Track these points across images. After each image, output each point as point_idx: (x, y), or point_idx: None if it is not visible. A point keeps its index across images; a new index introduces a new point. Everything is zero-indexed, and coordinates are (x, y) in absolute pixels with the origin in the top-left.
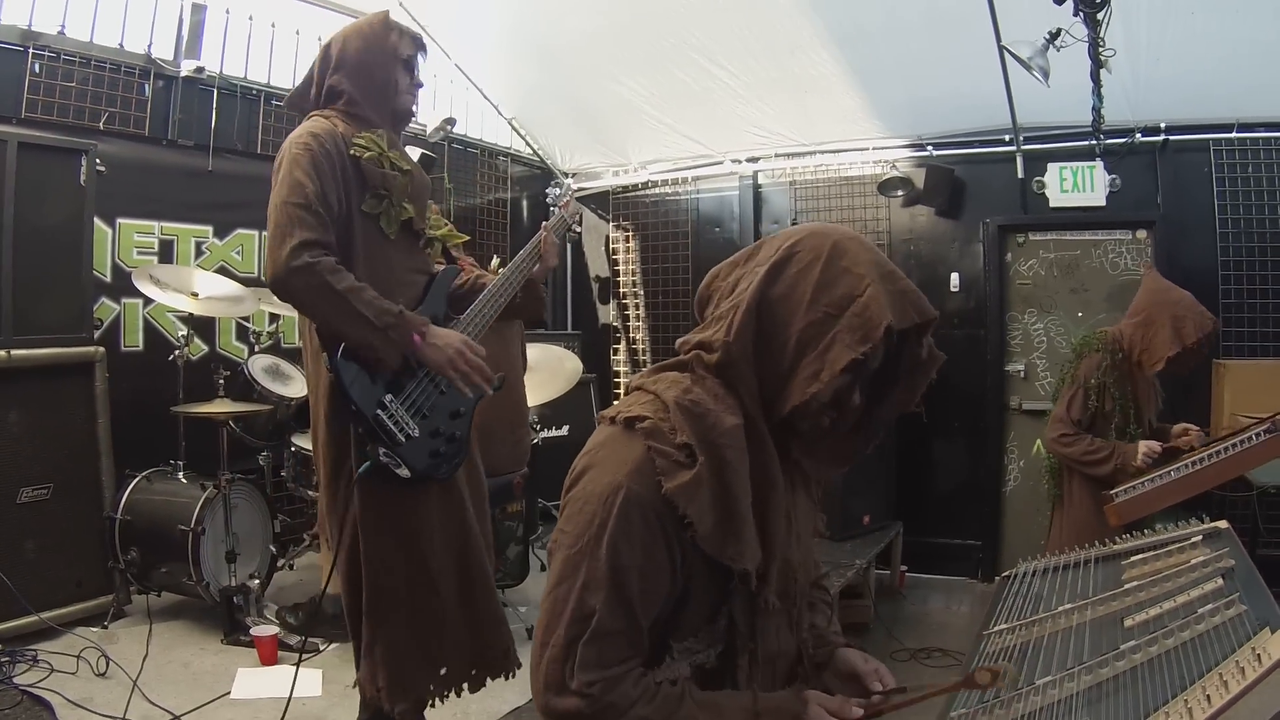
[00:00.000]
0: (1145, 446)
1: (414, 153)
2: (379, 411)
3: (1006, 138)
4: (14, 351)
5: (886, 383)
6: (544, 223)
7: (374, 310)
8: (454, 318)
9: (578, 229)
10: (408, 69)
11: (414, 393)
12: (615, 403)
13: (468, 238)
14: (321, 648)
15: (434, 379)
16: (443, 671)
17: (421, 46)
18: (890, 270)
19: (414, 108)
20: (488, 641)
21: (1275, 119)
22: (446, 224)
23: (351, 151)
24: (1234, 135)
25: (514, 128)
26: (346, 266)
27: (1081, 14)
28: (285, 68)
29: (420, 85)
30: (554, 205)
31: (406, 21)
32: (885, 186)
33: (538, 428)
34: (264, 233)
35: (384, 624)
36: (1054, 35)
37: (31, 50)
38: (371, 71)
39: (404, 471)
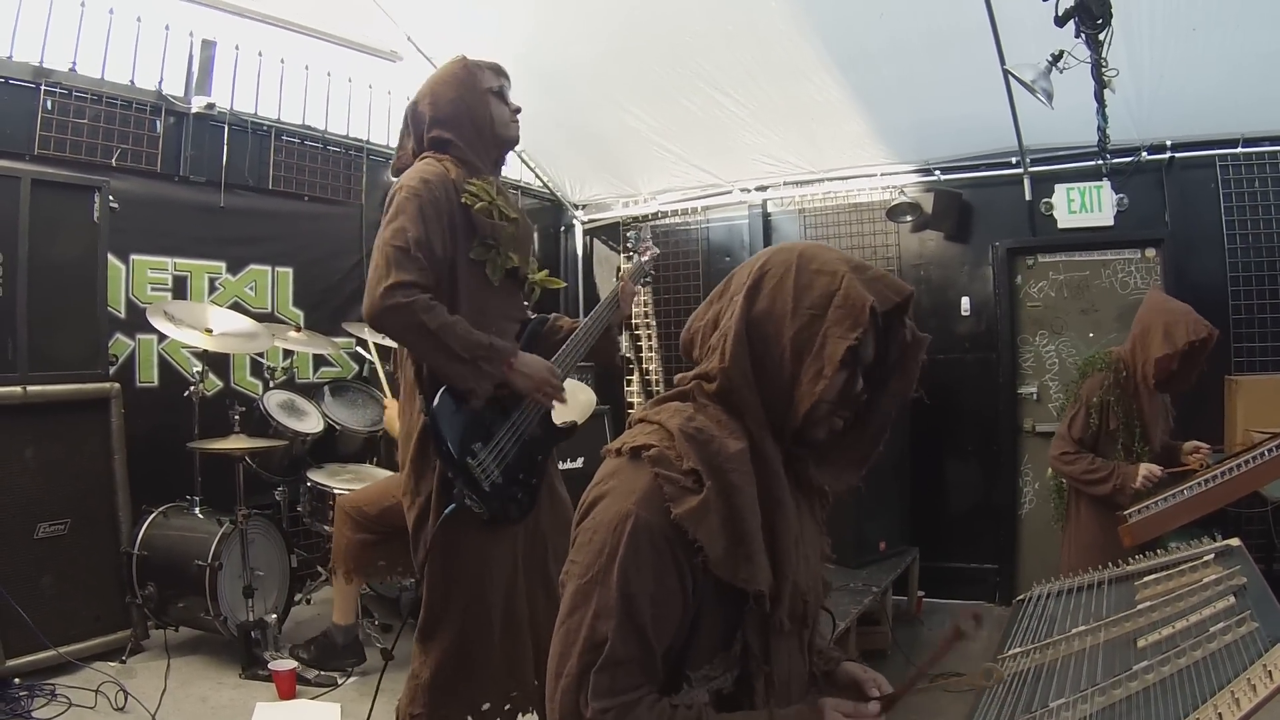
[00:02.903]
0: (1146, 469)
1: None
2: (469, 459)
3: (1013, 160)
4: (30, 387)
5: (882, 377)
6: (621, 269)
7: (464, 344)
8: None
9: (651, 274)
10: (501, 99)
11: (501, 441)
12: (620, 435)
13: (564, 284)
14: (339, 681)
15: (518, 430)
16: (485, 707)
17: (503, 73)
18: (859, 263)
19: (518, 134)
20: (522, 679)
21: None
22: (544, 270)
23: (463, 199)
24: (1239, 150)
25: (523, 160)
26: (450, 309)
27: (1083, 35)
28: (295, 103)
29: (518, 110)
30: (633, 251)
31: (414, 55)
32: (894, 212)
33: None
34: (277, 269)
35: (435, 648)
36: (1056, 57)
37: (43, 87)
38: (469, 116)
39: (484, 515)
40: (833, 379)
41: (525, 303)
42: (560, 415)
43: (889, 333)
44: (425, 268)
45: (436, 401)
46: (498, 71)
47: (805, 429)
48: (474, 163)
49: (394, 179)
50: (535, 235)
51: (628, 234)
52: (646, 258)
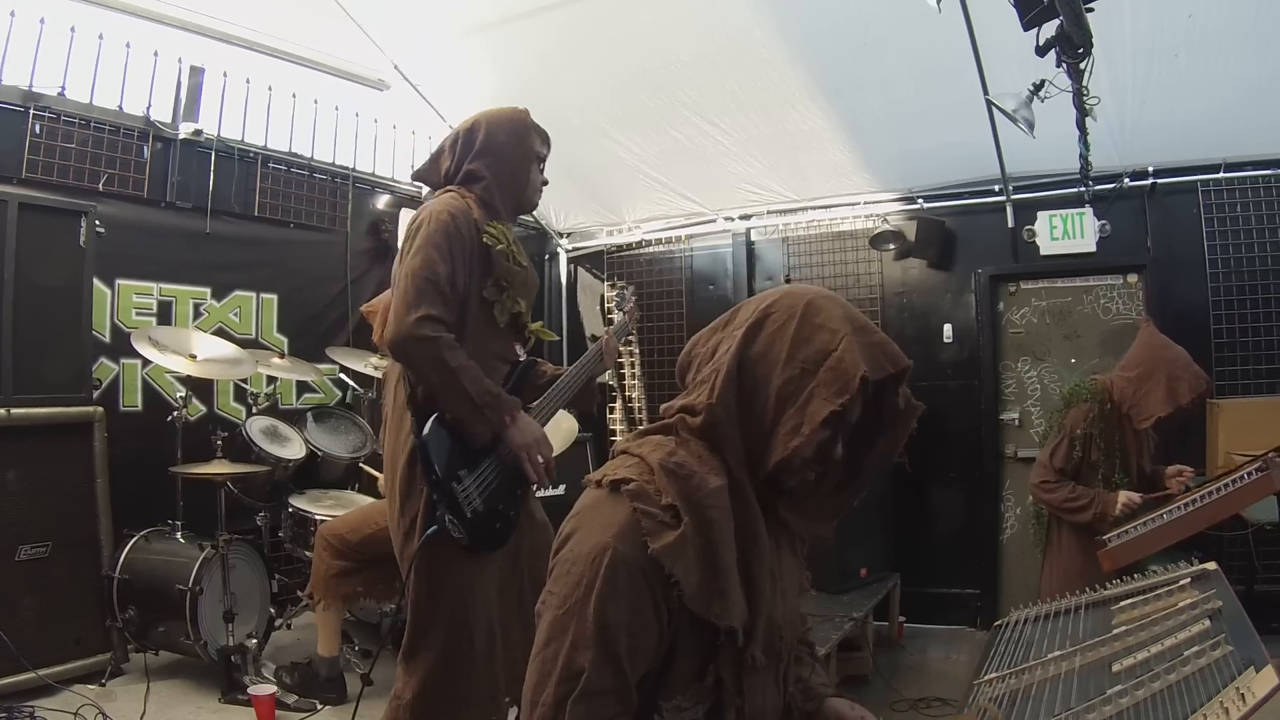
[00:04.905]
0: (1125, 497)
1: (406, 214)
2: (454, 484)
3: (996, 188)
4: (14, 410)
5: (869, 436)
6: (607, 327)
7: (477, 389)
8: (527, 406)
9: (633, 334)
10: (540, 166)
11: (485, 471)
12: (601, 467)
13: (556, 337)
14: (318, 707)
15: (502, 463)
16: None
17: (549, 144)
18: (863, 324)
19: (537, 203)
20: (502, 704)
21: (1261, 157)
22: (539, 322)
23: (485, 239)
24: (1221, 175)
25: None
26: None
27: (1064, 65)
28: (282, 130)
29: (546, 183)
30: (618, 310)
31: (401, 84)
32: (877, 240)
33: (535, 488)
34: (261, 295)
35: (418, 669)
36: (1038, 86)
37: (32, 111)
38: (513, 166)
39: (463, 540)
40: (810, 437)
41: (520, 348)
42: None
43: (881, 397)
44: (451, 304)
45: (428, 428)
46: (546, 140)
47: (776, 477)
48: (496, 207)
49: (417, 185)
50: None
51: (612, 295)
52: (629, 317)
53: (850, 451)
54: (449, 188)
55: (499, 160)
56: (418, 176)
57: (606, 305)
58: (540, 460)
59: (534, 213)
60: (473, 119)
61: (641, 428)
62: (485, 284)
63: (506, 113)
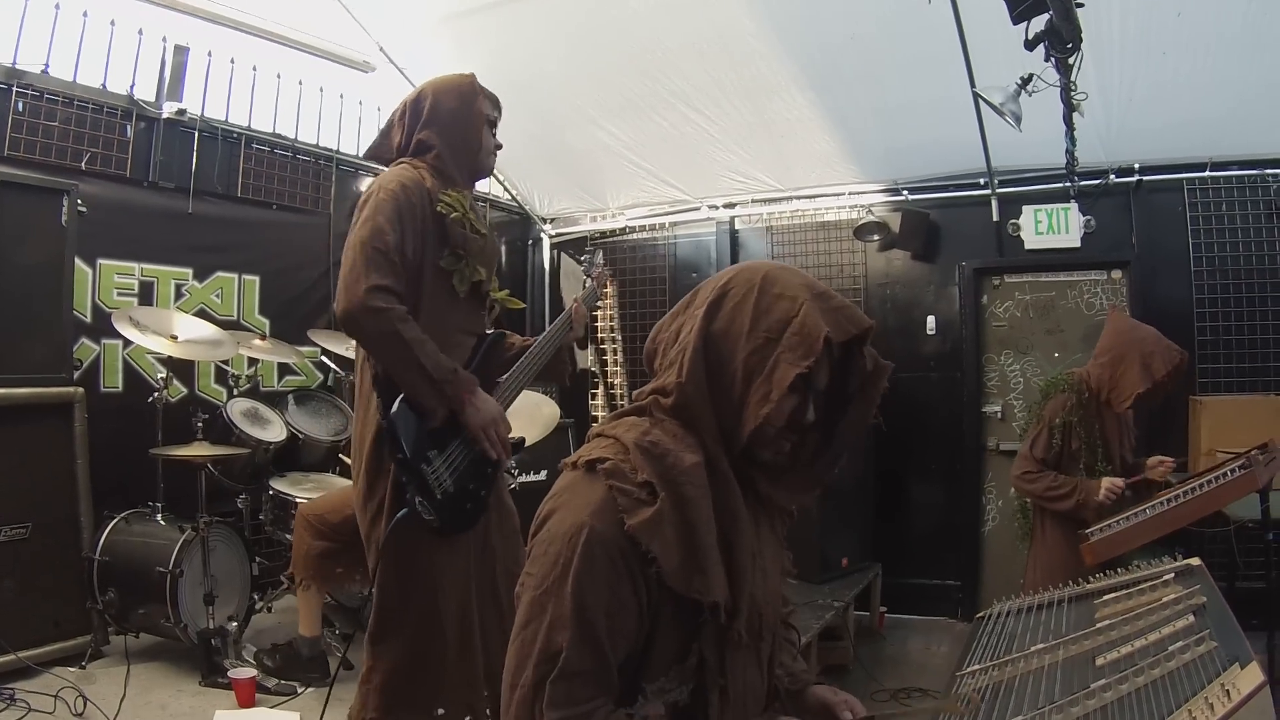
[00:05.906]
0: (1109, 483)
1: None
2: (424, 465)
3: (981, 181)
4: None
5: (841, 403)
6: (576, 295)
7: (434, 364)
8: (495, 381)
9: (603, 294)
10: (491, 130)
11: (454, 452)
12: (578, 450)
13: (524, 305)
14: (299, 690)
15: (469, 442)
16: (439, 713)
17: (499, 108)
18: (822, 290)
19: (493, 167)
20: (478, 690)
21: (1247, 157)
22: (505, 290)
23: (438, 208)
24: (1207, 174)
25: (493, 173)
26: (412, 315)
27: (1053, 59)
28: (266, 111)
29: (500, 146)
30: (586, 276)
31: (386, 66)
32: (861, 231)
33: (516, 473)
34: (243, 276)
35: (386, 652)
36: (1026, 80)
37: (15, 88)
38: (463, 131)
39: (434, 522)
40: (779, 404)
41: (485, 318)
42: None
43: (849, 362)
44: (401, 274)
45: (395, 407)
46: (496, 104)
47: (751, 449)
48: (450, 174)
49: (367, 161)
50: (501, 254)
51: (579, 258)
52: (598, 282)
53: (824, 419)
54: (400, 160)
55: (449, 127)
56: (369, 155)
57: (585, 282)
58: (496, 440)
59: (518, 197)
60: (419, 88)
61: (617, 410)
62: (442, 254)
63: (453, 79)
